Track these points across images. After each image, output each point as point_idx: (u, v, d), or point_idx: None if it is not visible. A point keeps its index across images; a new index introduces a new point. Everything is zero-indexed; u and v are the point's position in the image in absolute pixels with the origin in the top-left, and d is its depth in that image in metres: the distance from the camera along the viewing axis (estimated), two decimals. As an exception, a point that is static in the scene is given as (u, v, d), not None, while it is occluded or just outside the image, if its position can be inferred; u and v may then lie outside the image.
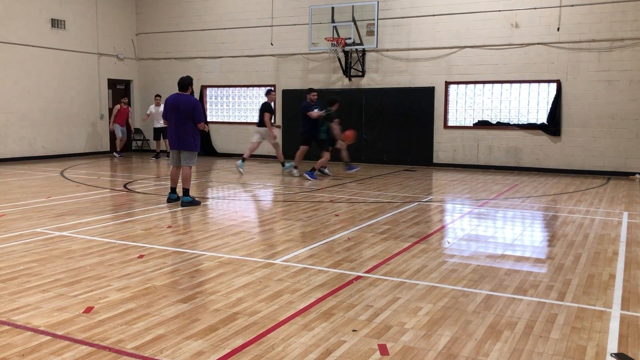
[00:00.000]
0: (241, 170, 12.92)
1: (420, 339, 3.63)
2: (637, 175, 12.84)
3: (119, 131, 17.04)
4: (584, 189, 11.06)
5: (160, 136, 16.80)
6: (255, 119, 17.54)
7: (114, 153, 17.31)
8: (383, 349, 3.45)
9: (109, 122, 17.32)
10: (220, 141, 18.14)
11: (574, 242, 6.46)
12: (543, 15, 13.68)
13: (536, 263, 5.60)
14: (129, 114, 17.32)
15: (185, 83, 8.63)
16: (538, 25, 13.74)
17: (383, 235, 6.67)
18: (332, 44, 14.84)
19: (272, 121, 13.39)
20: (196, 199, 8.81)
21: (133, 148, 19.40)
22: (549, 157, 13.93)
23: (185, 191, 8.55)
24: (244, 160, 13.12)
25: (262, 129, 13.01)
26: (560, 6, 13.49)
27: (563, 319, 4.02)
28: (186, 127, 8.47)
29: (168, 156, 16.21)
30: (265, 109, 12.84)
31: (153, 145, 19.30)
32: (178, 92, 8.66)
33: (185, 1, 18.16)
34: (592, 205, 9.15)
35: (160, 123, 16.08)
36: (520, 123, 14.26)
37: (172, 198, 8.78)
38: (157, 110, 16.12)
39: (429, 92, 14.94)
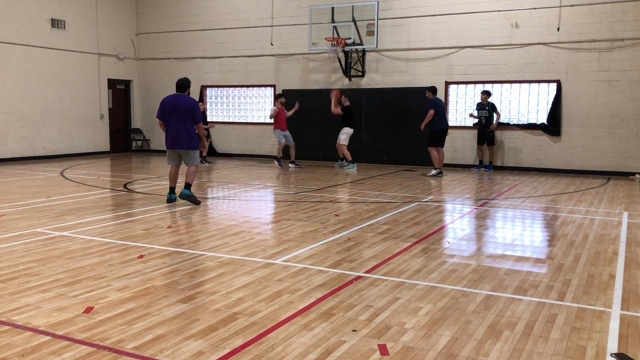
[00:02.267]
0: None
1: (420, 339, 3.63)
2: (637, 175, 12.84)
3: (288, 137, 14.49)
4: (584, 189, 11.06)
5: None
6: (256, 119, 17.63)
7: (290, 165, 14.49)
8: (383, 349, 3.45)
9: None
10: (220, 141, 18.13)
11: (574, 242, 6.46)
12: (543, 15, 13.68)
13: (536, 263, 5.60)
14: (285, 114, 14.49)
15: (184, 85, 8.67)
16: (538, 25, 13.74)
17: (383, 235, 6.67)
18: (332, 44, 14.84)
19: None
20: (197, 198, 8.82)
21: (133, 148, 19.40)
22: (549, 157, 13.93)
23: (187, 185, 8.57)
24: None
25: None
26: (560, 6, 13.49)
27: (563, 319, 4.02)
28: (186, 126, 8.50)
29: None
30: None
31: (153, 145, 19.35)
32: (176, 92, 8.70)
33: (185, 1, 18.16)
34: (592, 205, 9.14)
35: None
36: (520, 123, 14.26)
37: (172, 198, 8.76)
38: None
39: (429, 92, 14.94)
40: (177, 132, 8.51)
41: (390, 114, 15.31)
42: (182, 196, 8.53)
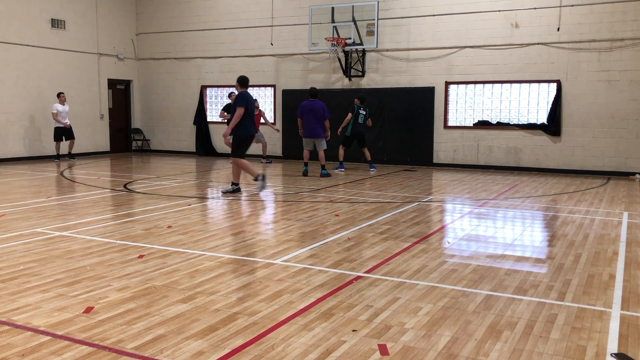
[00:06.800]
0: None
1: (420, 339, 3.63)
2: (637, 175, 12.84)
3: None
4: (584, 189, 11.06)
5: (62, 137, 15.46)
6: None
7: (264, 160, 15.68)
8: (383, 349, 3.45)
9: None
10: (220, 141, 18.11)
11: (574, 242, 6.46)
12: (543, 15, 13.68)
13: (536, 263, 5.60)
14: (261, 117, 15.08)
15: (316, 93, 12.52)
16: (538, 25, 13.74)
17: (383, 235, 6.67)
18: (332, 44, 14.84)
19: None
20: (329, 172, 12.56)
21: (133, 148, 19.40)
22: (549, 157, 13.93)
23: (323, 167, 12.51)
24: None
25: None
26: (560, 6, 13.49)
27: (563, 319, 4.02)
28: (318, 122, 12.28)
29: (70, 157, 15.80)
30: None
31: (153, 145, 19.35)
32: (309, 99, 12.38)
33: (185, 1, 18.16)
34: (592, 205, 9.14)
35: (63, 123, 15.32)
36: (520, 123, 14.26)
37: (306, 171, 12.42)
38: (64, 109, 15.45)
39: (429, 92, 14.94)
40: (312, 126, 12.29)
41: (390, 114, 15.31)
42: (322, 175, 12.27)
